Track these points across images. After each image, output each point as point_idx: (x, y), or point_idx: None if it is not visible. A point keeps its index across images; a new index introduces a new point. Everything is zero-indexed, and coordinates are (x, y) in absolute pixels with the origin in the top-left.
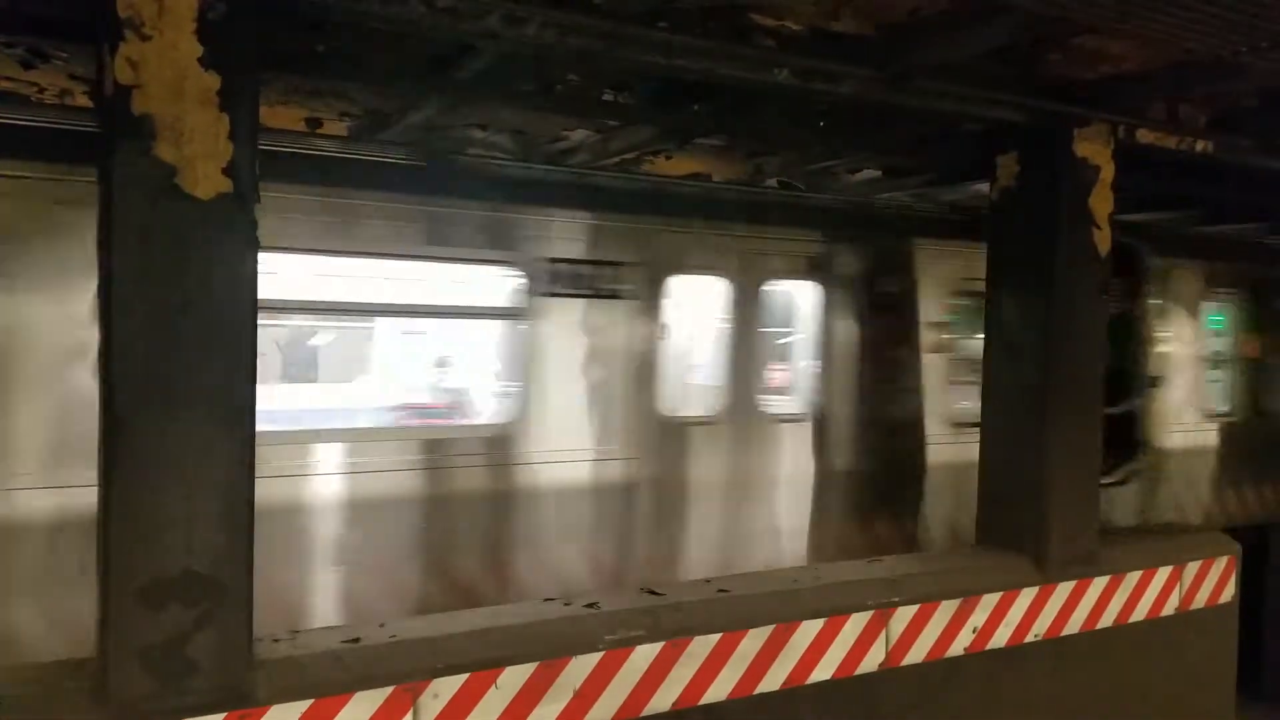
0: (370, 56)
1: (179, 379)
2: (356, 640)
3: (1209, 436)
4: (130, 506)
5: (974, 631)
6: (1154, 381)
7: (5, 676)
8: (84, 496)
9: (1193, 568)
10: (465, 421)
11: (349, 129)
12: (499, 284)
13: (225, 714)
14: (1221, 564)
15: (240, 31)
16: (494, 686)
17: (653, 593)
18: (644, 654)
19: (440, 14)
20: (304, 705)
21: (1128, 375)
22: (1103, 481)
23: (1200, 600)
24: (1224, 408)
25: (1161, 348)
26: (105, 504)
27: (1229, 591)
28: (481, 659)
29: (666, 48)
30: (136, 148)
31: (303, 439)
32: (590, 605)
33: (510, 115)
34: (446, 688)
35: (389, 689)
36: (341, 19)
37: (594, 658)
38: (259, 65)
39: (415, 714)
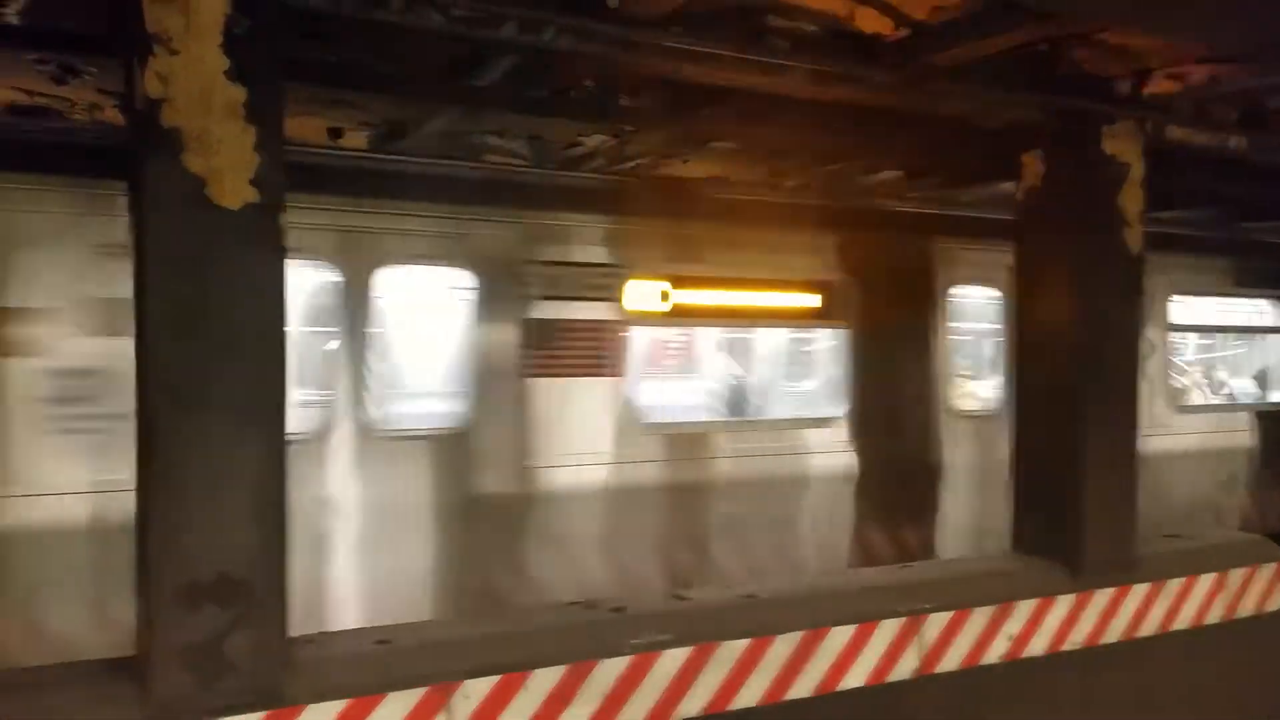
0: (389, 66)
1: (210, 384)
2: (388, 642)
3: None
4: (165, 509)
5: (1010, 639)
6: None
7: (50, 675)
8: None
9: (1237, 574)
10: None
11: (368, 139)
12: None
13: (263, 713)
14: (1269, 570)
15: (264, 44)
16: (524, 688)
17: (679, 597)
18: (672, 658)
19: (457, 22)
20: (339, 705)
21: None
22: None
23: (1246, 608)
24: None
25: None
26: (142, 506)
27: (1277, 598)
28: (511, 661)
29: (681, 52)
30: (166, 159)
31: None
32: (617, 609)
33: (526, 121)
34: (477, 689)
35: (422, 690)
36: (360, 30)
37: (622, 661)
38: (283, 77)
39: (449, 714)
